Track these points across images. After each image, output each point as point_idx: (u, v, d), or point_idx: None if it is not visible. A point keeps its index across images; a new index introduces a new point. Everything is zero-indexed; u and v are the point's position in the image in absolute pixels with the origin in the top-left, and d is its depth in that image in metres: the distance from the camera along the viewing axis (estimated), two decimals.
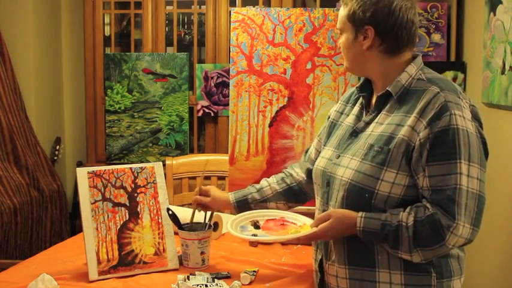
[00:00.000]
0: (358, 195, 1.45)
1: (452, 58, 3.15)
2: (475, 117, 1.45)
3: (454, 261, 1.48)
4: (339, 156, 1.55)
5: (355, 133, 1.55)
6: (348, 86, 2.28)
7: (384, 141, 1.44)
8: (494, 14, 2.44)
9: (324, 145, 1.68)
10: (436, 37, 3.16)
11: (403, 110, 1.45)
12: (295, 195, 1.81)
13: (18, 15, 3.41)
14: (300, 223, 1.69)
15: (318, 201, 1.65)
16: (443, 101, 1.39)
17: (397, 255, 1.43)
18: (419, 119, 1.40)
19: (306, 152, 1.84)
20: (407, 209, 1.41)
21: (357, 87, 1.63)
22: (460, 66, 3.07)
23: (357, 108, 1.62)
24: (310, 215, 1.73)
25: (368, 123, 1.53)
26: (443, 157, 1.36)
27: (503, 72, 2.34)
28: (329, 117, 1.73)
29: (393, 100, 1.48)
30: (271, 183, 1.82)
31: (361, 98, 1.61)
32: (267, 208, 1.80)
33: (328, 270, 1.58)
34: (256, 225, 1.73)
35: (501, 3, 2.37)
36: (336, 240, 1.52)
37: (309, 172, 1.76)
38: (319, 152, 1.71)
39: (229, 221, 1.71)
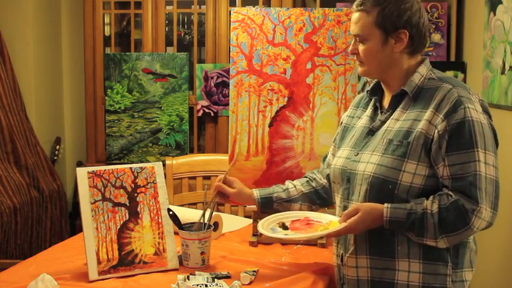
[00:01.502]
0: (382, 187, 1.53)
1: (452, 58, 3.15)
2: (485, 111, 1.55)
3: (468, 253, 1.57)
4: (358, 153, 1.63)
5: (371, 132, 1.63)
6: (347, 86, 2.28)
7: (402, 136, 1.53)
8: (494, 14, 2.44)
9: (339, 148, 1.75)
10: (436, 37, 3.16)
11: (418, 106, 1.54)
12: (321, 198, 1.87)
13: (18, 15, 3.41)
14: (326, 221, 1.70)
15: (337, 199, 1.71)
16: (456, 96, 1.49)
17: (422, 242, 1.50)
18: (436, 113, 1.50)
19: (324, 159, 1.91)
20: (431, 198, 1.49)
21: (367, 90, 1.71)
22: (460, 66, 3.07)
23: (369, 110, 1.70)
24: (331, 213, 1.77)
25: (384, 122, 1.61)
26: (462, 147, 1.47)
27: (503, 72, 2.34)
28: (341, 123, 1.81)
29: (408, 98, 1.58)
30: (296, 185, 1.88)
31: (373, 100, 1.69)
32: (290, 209, 1.85)
33: (347, 262, 1.63)
34: (284, 226, 1.74)
35: (501, 3, 2.37)
36: (358, 234, 1.58)
37: (329, 177, 1.82)
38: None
39: (259, 224, 1.71)
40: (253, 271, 1.75)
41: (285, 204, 1.84)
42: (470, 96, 1.52)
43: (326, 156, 1.90)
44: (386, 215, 1.49)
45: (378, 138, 1.59)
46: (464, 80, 3.04)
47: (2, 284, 1.66)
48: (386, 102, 1.66)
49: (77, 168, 1.79)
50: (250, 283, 1.68)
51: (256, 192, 1.86)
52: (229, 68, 2.47)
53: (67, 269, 1.77)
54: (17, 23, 3.41)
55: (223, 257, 1.91)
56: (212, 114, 3.51)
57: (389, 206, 1.50)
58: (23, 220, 3.06)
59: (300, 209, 1.85)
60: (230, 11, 2.85)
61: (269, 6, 3.40)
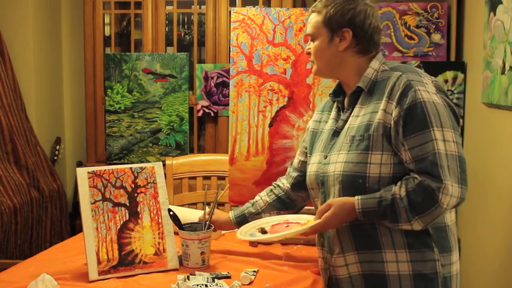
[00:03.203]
0: (353, 184, 1.56)
1: (452, 58, 3.15)
2: (440, 90, 1.58)
3: (451, 235, 1.60)
4: (326, 156, 1.67)
5: (336, 133, 1.69)
6: None
7: (363, 130, 1.57)
8: (494, 14, 2.44)
9: (310, 154, 1.80)
10: (436, 37, 3.16)
11: (374, 99, 1.59)
12: (284, 204, 1.93)
13: (18, 15, 3.41)
14: (304, 220, 1.73)
15: (318, 203, 1.73)
16: (406, 81, 1.54)
17: (398, 227, 1.52)
18: (389, 102, 1.54)
19: (291, 164, 1.97)
20: (398, 183, 1.52)
21: (330, 94, 1.77)
22: (460, 66, 3.07)
23: (333, 112, 1.76)
24: (312, 213, 1.77)
25: (346, 121, 1.67)
26: (417, 129, 1.49)
27: (503, 72, 2.34)
28: (308, 128, 1.86)
29: (364, 94, 1.63)
30: (262, 196, 1.95)
31: (335, 103, 1.75)
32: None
33: (335, 263, 1.65)
34: (263, 231, 1.77)
35: (501, 3, 2.37)
36: (341, 231, 1.61)
37: (295, 180, 1.90)
38: (303, 161, 1.87)
39: (238, 232, 1.77)
40: (253, 271, 1.75)
41: (256, 217, 1.91)
42: (422, 79, 1.55)
43: (293, 161, 1.96)
44: (358, 206, 1.53)
45: (342, 137, 1.64)
46: (464, 80, 3.04)
47: (2, 284, 1.66)
48: (347, 102, 1.71)
49: (77, 168, 1.79)
50: (250, 283, 1.68)
51: (231, 214, 1.95)
52: (229, 68, 2.47)
53: (67, 269, 1.77)
54: (17, 23, 3.41)
55: (223, 257, 1.92)
56: (212, 114, 3.51)
57: (359, 197, 1.53)
58: (23, 220, 3.06)
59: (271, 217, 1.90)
60: (230, 11, 2.85)
61: (269, 6, 3.40)
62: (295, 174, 1.90)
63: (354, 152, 1.57)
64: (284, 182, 1.94)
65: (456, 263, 1.61)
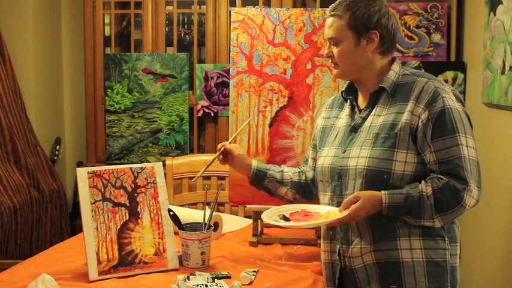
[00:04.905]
0: (377, 178, 1.62)
1: (452, 58, 3.15)
2: (458, 99, 1.67)
3: (456, 228, 1.69)
4: (345, 150, 1.70)
5: (354, 129, 1.72)
6: None
7: (388, 128, 1.63)
8: (494, 14, 2.44)
9: (320, 148, 1.82)
10: (436, 37, 3.17)
11: (398, 100, 1.65)
12: (306, 191, 1.93)
13: (18, 15, 3.41)
14: (324, 211, 1.71)
15: (325, 197, 1.76)
16: (433, 87, 1.62)
17: (420, 224, 1.60)
18: (417, 105, 1.61)
19: (306, 161, 1.97)
20: (423, 182, 1.59)
21: (342, 91, 1.81)
22: (460, 66, 3.07)
23: (347, 109, 1.79)
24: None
25: (365, 118, 1.71)
26: (445, 133, 1.58)
27: (503, 72, 2.34)
28: (317, 126, 1.90)
29: (386, 94, 1.69)
30: (290, 172, 1.93)
31: (348, 101, 1.79)
32: (277, 191, 1.91)
33: (351, 253, 1.68)
34: (286, 218, 1.75)
35: (501, 3, 2.37)
36: (360, 225, 1.66)
37: (311, 177, 1.91)
38: (316, 160, 1.86)
39: (263, 215, 1.73)
40: (253, 271, 1.75)
41: (275, 184, 1.90)
42: (444, 87, 1.64)
43: (307, 160, 1.96)
44: (385, 201, 1.58)
45: (364, 134, 1.68)
46: (464, 80, 3.04)
47: (2, 284, 1.66)
48: (361, 100, 1.76)
49: (77, 168, 1.79)
50: (250, 283, 1.68)
51: (255, 163, 1.91)
52: (229, 68, 2.47)
53: (67, 269, 1.77)
54: (17, 23, 3.41)
55: (223, 257, 1.92)
56: (212, 114, 3.51)
57: (386, 192, 1.59)
58: (23, 220, 3.06)
59: (286, 194, 1.91)
60: (230, 11, 2.85)
61: (269, 6, 3.40)
62: (312, 172, 1.91)
63: (379, 148, 1.62)
64: (308, 175, 1.93)
65: (458, 256, 1.69)
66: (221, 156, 1.90)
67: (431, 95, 1.60)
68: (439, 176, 1.58)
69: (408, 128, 1.60)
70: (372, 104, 1.71)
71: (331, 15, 1.71)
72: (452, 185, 1.55)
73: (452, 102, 1.62)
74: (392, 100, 1.67)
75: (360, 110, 1.74)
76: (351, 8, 1.67)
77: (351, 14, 1.67)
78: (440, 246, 1.63)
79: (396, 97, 1.66)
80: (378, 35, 1.67)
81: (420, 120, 1.59)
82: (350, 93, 1.79)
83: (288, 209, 1.80)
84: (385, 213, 1.59)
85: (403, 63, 2.61)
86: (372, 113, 1.70)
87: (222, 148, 1.89)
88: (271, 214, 1.76)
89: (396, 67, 1.71)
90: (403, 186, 1.61)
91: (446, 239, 1.64)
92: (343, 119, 1.79)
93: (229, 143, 1.92)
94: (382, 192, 1.59)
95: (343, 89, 1.82)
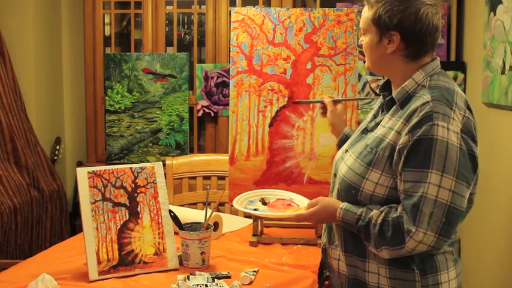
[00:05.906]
0: (347, 191, 1.55)
1: (452, 58, 3.15)
2: (468, 130, 1.45)
3: (439, 256, 1.50)
4: (347, 151, 1.64)
5: (365, 131, 1.63)
6: (347, 86, 2.28)
7: (376, 143, 1.51)
8: (494, 14, 2.44)
9: None
10: None
11: (400, 114, 1.49)
12: None
13: (18, 15, 3.41)
14: (302, 205, 1.74)
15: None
16: (429, 111, 1.41)
17: (369, 248, 1.50)
18: (405, 124, 1.44)
19: None
20: (382, 208, 1.47)
21: (379, 84, 1.69)
22: (460, 66, 3.06)
23: (376, 106, 1.69)
24: None
25: (377, 124, 1.59)
26: (417, 164, 1.41)
27: (503, 72, 2.34)
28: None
29: (396, 105, 1.53)
30: None
31: (381, 97, 1.66)
32: None
33: (331, 253, 1.65)
34: (263, 202, 1.78)
35: (501, 3, 2.37)
36: (337, 227, 1.61)
37: None
38: None
39: (238, 197, 1.74)
40: (253, 271, 1.75)
41: None
42: (449, 113, 1.42)
43: None
44: (339, 215, 1.53)
45: (364, 140, 1.58)
46: (464, 80, 3.04)
47: (2, 284, 1.66)
48: (386, 104, 1.62)
49: (77, 168, 1.79)
50: (250, 283, 1.68)
51: (347, 129, 1.89)
52: (229, 68, 2.47)
53: (67, 269, 1.77)
54: (17, 23, 3.41)
55: (223, 257, 1.92)
56: (212, 114, 3.51)
57: (343, 206, 1.53)
58: (23, 220, 3.06)
59: None
60: (230, 11, 2.85)
61: (269, 6, 3.40)
62: None
63: (359, 162, 1.53)
64: None
65: (451, 281, 1.51)
66: (321, 111, 1.94)
67: (421, 118, 1.41)
68: (398, 207, 1.44)
69: (389, 149, 1.46)
70: (388, 110, 1.57)
71: (367, 3, 1.57)
72: (402, 222, 1.40)
73: (444, 132, 1.39)
74: (398, 113, 1.51)
75: (382, 112, 1.62)
76: (381, 1, 1.51)
77: (377, 8, 1.51)
78: (407, 278, 1.48)
79: (402, 111, 1.49)
80: (399, 37, 1.50)
81: (399, 143, 1.44)
82: (386, 88, 1.64)
83: (276, 193, 1.83)
84: (342, 225, 1.54)
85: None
86: (382, 122, 1.56)
87: (326, 102, 1.92)
88: (252, 195, 1.79)
89: (418, 76, 1.51)
90: (371, 205, 1.50)
91: (417, 271, 1.47)
92: (369, 115, 1.70)
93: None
94: (340, 205, 1.53)
95: (381, 81, 1.69)
